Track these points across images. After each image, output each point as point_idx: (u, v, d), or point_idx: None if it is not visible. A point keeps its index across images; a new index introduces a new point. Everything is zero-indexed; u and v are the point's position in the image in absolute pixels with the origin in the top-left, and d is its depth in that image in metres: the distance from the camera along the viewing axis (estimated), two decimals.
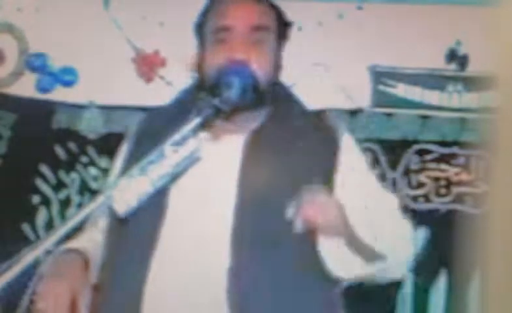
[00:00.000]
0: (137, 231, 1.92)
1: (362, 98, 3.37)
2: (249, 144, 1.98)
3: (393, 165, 3.33)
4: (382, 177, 3.29)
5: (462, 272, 2.62)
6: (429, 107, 3.36)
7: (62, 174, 3.41)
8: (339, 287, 1.98)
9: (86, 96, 3.44)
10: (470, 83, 3.32)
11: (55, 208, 3.40)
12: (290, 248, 1.86)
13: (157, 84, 3.43)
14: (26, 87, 3.46)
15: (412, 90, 3.37)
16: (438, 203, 3.31)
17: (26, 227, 3.37)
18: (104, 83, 3.42)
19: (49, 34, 3.46)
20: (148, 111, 2.23)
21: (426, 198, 3.32)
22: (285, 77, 2.11)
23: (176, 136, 1.84)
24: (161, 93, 3.33)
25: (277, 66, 2.06)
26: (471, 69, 3.32)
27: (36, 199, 3.40)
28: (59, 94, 3.46)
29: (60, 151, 3.42)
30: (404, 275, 2.06)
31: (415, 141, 3.35)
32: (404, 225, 2.02)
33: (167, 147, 1.83)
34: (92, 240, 2.05)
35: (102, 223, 2.04)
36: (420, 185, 3.33)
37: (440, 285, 3.22)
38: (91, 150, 3.43)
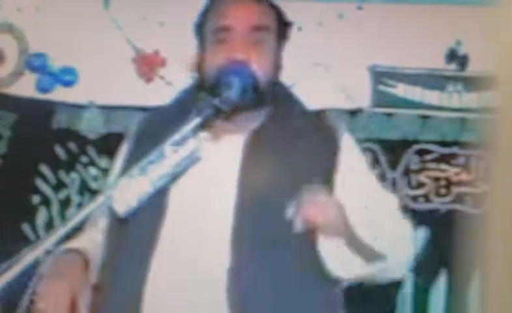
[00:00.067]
0: (137, 231, 1.92)
1: (362, 98, 3.37)
2: (249, 144, 1.98)
3: (393, 165, 3.33)
4: (382, 177, 3.29)
5: (462, 272, 2.62)
6: (429, 107, 3.36)
7: (62, 174, 3.41)
8: (339, 287, 1.98)
9: (86, 96, 3.44)
10: (470, 83, 3.32)
11: (55, 208, 3.40)
12: (290, 248, 1.86)
13: (157, 84, 3.43)
14: (26, 87, 3.46)
15: (412, 90, 3.37)
16: (438, 203, 3.31)
17: (26, 227, 3.37)
18: (104, 83, 3.42)
19: (49, 34, 3.46)
20: (148, 111, 2.22)
21: (427, 198, 3.32)
22: (285, 77, 2.11)
23: (176, 136, 1.84)
24: (161, 93, 3.33)
25: (277, 66, 2.06)
26: (471, 69, 3.32)
27: (36, 199, 3.40)
28: (59, 94, 3.46)
29: (60, 151, 3.42)
30: (404, 275, 2.06)
31: (415, 141, 3.35)
32: (404, 225, 2.02)
33: (167, 147, 1.83)
34: (92, 240, 2.05)
35: (102, 223, 2.04)
36: (420, 185, 3.33)
37: (440, 285, 3.22)
38: (91, 150, 3.43)
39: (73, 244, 2.01)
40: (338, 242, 1.85)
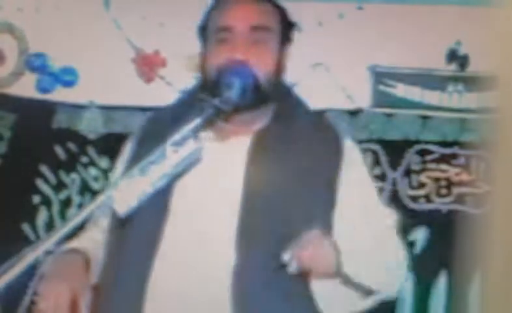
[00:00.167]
0: (139, 231, 1.92)
1: (362, 98, 3.36)
2: (254, 145, 1.99)
3: (394, 165, 3.33)
4: (383, 177, 3.29)
5: (462, 272, 2.62)
6: (429, 108, 3.36)
7: (62, 174, 3.41)
8: None
9: (86, 96, 3.44)
10: (470, 83, 3.32)
11: (55, 208, 3.40)
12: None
13: (158, 84, 3.43)
14: (26, 87, 3.46)
15: (412, 91, 3.37)
16: (439, 204, 3.31)
17: (26, 227, 3.37)
18: (104, 83, 3.41)
19: (49, 34, 3.46)
20: (151, 112, 2.22)
21: (427, 198, 3.32)
22: (285, 77, 2.11)
23: (177, 136, 1.84)
24: (161, 93, 3.33)
25: (279, 66, 2.06)
26: (472, 69, 3.32)
27: (36, 199, 3.40)
28: (59, 94, 3.46)
29: (60, 151, 3.42)
30: (398, 292, 2.10)
31: (416, 142, 3.34)
32: (397, 249, 2.04)
33: (168, 148, 1.83)
34: (94, 240, 2.05)
35: (104, 223, 2.04)
36: (421, 185, 3.32)
37: (440, 285, 3.22)
38: (91, 150, 3.42)
39: (74, 244, 2.01)
40: (331, 282, 1.89)
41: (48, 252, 1.81)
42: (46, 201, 3.40)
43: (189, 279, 1.87)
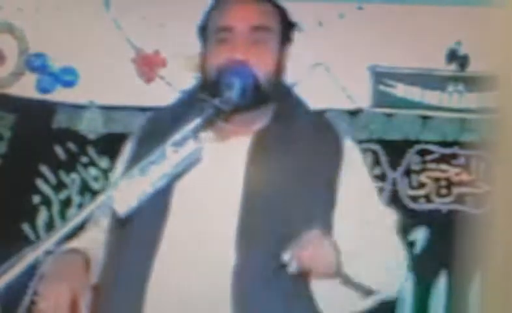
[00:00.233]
0: (140, 231, 1.92)
1: (362, 98, 3.36)
2: (254, 145, 1.99)
3: (394, 165, 3.33)
4: (383, 177, 3.29)
5: (462, 272, 2.62)
6: (429, 108, 3.36)
7: (62, 174, 3.41)
8: None
9: (86, 96, 3.44)
10: (470, 83, 3.32)
11: (56, 208, 3.40)
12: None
13: (158, 84, 3.43)
14: (26, 87, 3.46)
15: (412, 91, 3.37)
16: (439, 204, 3.31)
17: (26, 227, 3.37)
18: (104, 83, 3.41)
19: (49, 34, 3.46)
20: (151, 112, 2.22)
21: (427, 198, 3.32)
22: (285, 77, 2.11)
23: (177, 137, 1.84)
24: (161, 93, 3.33)
25: (280, 66, 2.06)
26: (471, 69, 3.32)
27: (36, 199, 3.40)
28: (59, 94, 3.46)
29: (60, 151, 3.42)
30: (398, 291, 2.10)
31: (416, 142, 3.34)
32: (397, 249, 2.04)
33: (168, 148, 1.83)
34: (94, 240, 2.05)
35: (104, 222, 2.05)
36: (421, 185, 3.32)
37: (440, 285, 3.22)
38: (91, 150, 3.42)
39: (74, 244, 2.01)
40: (331, 283, 1.89)
41: (48, 252, 1.81)
42: (46, 201, 3.40)
43: (189, 279, 1.87)
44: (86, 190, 3.40)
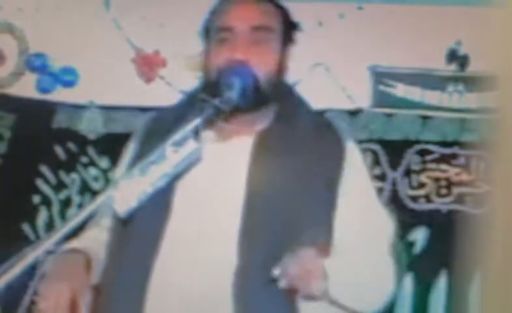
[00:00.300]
0: (141, 231, 1.92)
1: (362, 98, 3.36)
2: (257, 146, 1.99)
3: (394, 165, 3.33)
4: (383, 177, 3.29)
5: (462, 272, 2.62)
6: (429, 108, 3.36)
7: (62, 174, 3.41)
8: None
9: (86, 96, 3.44)
10: (470, 83, 3.32)
11: (56, 208, 3.40)
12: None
13: (158, 84, 3.43)
14: (26, 87, 3.46)
15: (412, 91, 3.37)
16: (439, 204, 3.31)
17: (26, 227, 3.37)
18: (104, 83, 3.41)
19: (49, 34, 3.46)
20: (154, 112, 2.22)
21: (427, 198, 3.32)
22: (287, 78, 2.11)
23: (177, 136, 1.84)
24: (161, 93, 3.33)
25: (281, 67, 2.06)
26: (471, 69, 3.32)
27: (36, 199, 3.40)
28: (59, 94, 3.46)
29: (60, 151, 3.42)
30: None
31: (416, 142, 3.34)
32: (389, 267, 2.03)
33: (168, 148, 1.83)
34: (96, 240, 2.05)
35: (106, 222, 2.05)
36: (421, 185, 3.32)
37: (440, 285, 3.22)
38: (91, 150, 3.42)
39: (76, 243, 2.01)
40: (317, 303, 1.89)
41: (48, 252, 1.81)
42: (46, 201, 3.40)
43: (190, 279, 1.87)
44: (86, 190, 3.40)
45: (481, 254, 1.20)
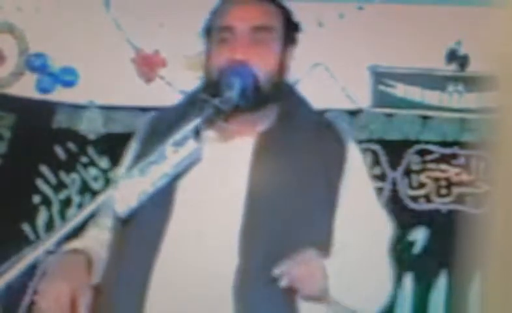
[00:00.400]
0: (142, 231, 1.92)
1: (362, 98, 3.36)
2: (259, 146, 1.99)
3: (394, 165, 3.33)
4: (383, 177, 3.29)
5: (462, 272, 2.62)
6: (429, 108, 3.36)
7: (62, 174, 3.41)
8: None
9: (86, 96, 3.44)
10: (470, 83, 3.32)
11: (55, 208, 3.40)
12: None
13: (158, 84, 3.43)
14: (26, 87, 3.46)
15: (412, 90, 3.37)
16: (439, 204, 3.31)
17: (26, 227, 3.37)
18: (104, 83, 3.41)
19: (49, 34, 3.46)
20: (156, 111, 2.22)
21: (427, 198, 3.32)
22: (288, 78, 2.11)
23: (177, 136, 1.84)
24: (161, 93, 3.33)
25: (282, 67, 2.05)
26: (471, 69, 3.32)
27: (36, 199, 3.40)
28: (59, 94, 3.46)
29: (60, 151, 3.42)
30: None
31: (416, 142, 3.34)
32: (387, 268, 2.03)
33: (168, 148, 1.83)
34: (97, 240, 2.05)
35: (108, 222, 2.05)
36: (421, 185, 3.32)
37: (440, 285, 3.22)
38: (91, 150, 3.42)
39: (77, 243, 2.01)
40: (317, 304, 1.91)
41: (48, 252, 1.81)
42: (46, 201, 3.40)
43: (191, 280, 1.87)
44: (86, 190, 3.40)
45: (481, 254, 1.20)
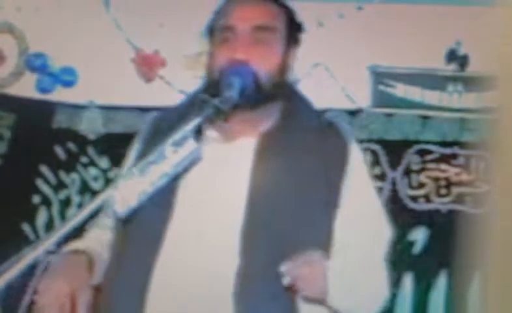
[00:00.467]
0: (143, 231, 1.92)
1: (362, 98, 3.37)
2: (261, 147, 1.99)
3: (394, 165, 3.33)
4: (382, 177, 3.29)
5: (462, 272, 2.62)
6: (429, 108, 3.36)
7: (62, 174, 3.41)
8: None
9: (86, 96, 3.44)
10: (470, 83, 3.32)
11: (55, 208, 3.40)
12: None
13: (157, 84, 3.43)
14: (26, 87, 3.46)
15: (412, 90, 3.37)
16: (439, 203, 3.31)
17: (26, 227, 3.37)
18: (104, 83, 3.42)
19: (49, 34, 3.46)
20: (158, 111, 2.22)
21: (427, 198, 3.32)
22: (290, 78, 2.11)
23: (177, 136, 1.84)
24: (161, 93, 3.33)
25: (284, 67, 2.05)
26: (471, 69, 3.32)
27: (36, 199, 3.40)
28: (59, 94, 3.46)
29: (60, 151, 3.42)
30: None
31: (416, 141, 3.34)
32: (383, 272, 2.03)
33: (167, 147, 1.83)
34: (99, 240, 2.05)
35: (109, 222, 2.05)
36: (420, 185, 3.33)
37: (440, 285, 3.22)
38: (91, 150, 3.43)
39: (79, 244, 2.01)
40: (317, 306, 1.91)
41: (48, 252, 1.81)
42: (46, 201, 3.40)
43: (192, 280, 1.87)
44: (86, 190, 3.40)
45: (481, 254, 1.20)
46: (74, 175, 3.41)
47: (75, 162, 3.42)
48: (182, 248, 1.90)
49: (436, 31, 3.32)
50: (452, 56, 3.35)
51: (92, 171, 3.41)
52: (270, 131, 2.02)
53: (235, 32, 1.99)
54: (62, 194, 3.41)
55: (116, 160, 2.23)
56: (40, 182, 3.40)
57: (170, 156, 1.84)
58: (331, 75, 3.35)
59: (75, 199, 3.40)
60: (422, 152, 3.34)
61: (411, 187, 3.33)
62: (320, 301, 1.90)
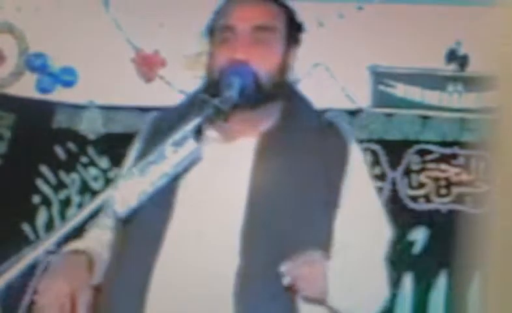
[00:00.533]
0: (143, 231, 1.92)
1: (362, 98, 3.37)
2: (261, 147, 1.99)
3: (394, 165, 3.33)
4: (382, 177, 3.29)
5: (462, 272, 2.62)
6: (429, 108, 3.36)
7: (62, 174, 3.41)
8: None
9: (86, 96, 3.44)
10: (470, 83, 3.32)
11: (55, 208, 3.40)
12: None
13: (157, 84, 3.43)
14: (26, 87, 3.46)
15: (412, 90, 3.37)
16: (439, 203, 3.31)
17: (26, 227, 3.37)
18: (104, 83, 3.42)
19: (49, 34, 3.46)
20: (159, 111, 2.22)
21: (427, 198, 3.32)
22: (290, 78, 2.11)
23: (177, 136, 1.84)
24: (161, 93, 3.33)
25: (284, 66, 2.05)
26: (471, 69, 3.32)
27: (36, 199, 3.40)
28: (59, 94, 3.46)
29: (60, 151, 3.42)
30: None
31: (416, 142, 3.35)
32: (383, 272, 2.03)
33: (167, 147, 1.84)
34: (99, 240, 2.05)
35: (110, 222, 2.05)
36: (420, 185, 3.33)
37: (440, 285, 3.22)
38: (91, 150, 3.43)
39: (79, 244, 2.01)
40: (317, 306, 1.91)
41: (48, 252, 1.81)
42: (46, 201, 3.40)
43: (192, 280, 1.87)
44: (86, 190, 3.40)
45: (481, 254, 1.20)
46: (74, 175, 3.42)
47: (75, 162, 3.42)
48: (182, 248, 1.90)
49: (436, 31, 3.32)
50: (452, 56, 3.35)
51: (92, 171, 3.41)
52: (270, 131, 2.02)
53: (235, 32, 1.99)
54: (62, 194, 3.41)
55: (116, 160, 2.23)
56: (40, 182, 3.40)
57: (170, 156, 1.84)
58: (331, 75, 3.35)
59: (75, 199, 3.40)
60: (422, 152, 3.34)
61: (411, 187, 3.33)
62: (320, 301, 1.90)
